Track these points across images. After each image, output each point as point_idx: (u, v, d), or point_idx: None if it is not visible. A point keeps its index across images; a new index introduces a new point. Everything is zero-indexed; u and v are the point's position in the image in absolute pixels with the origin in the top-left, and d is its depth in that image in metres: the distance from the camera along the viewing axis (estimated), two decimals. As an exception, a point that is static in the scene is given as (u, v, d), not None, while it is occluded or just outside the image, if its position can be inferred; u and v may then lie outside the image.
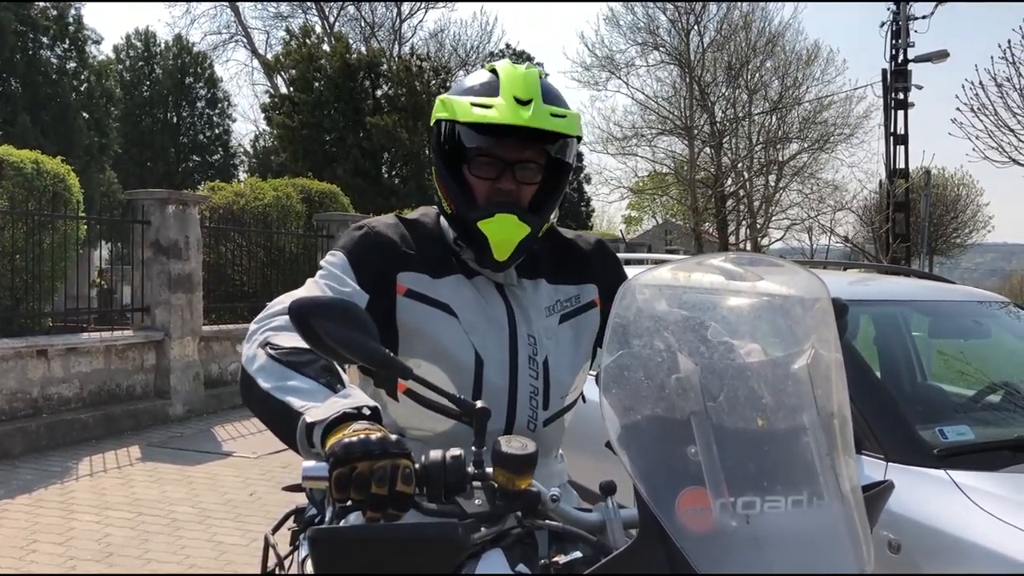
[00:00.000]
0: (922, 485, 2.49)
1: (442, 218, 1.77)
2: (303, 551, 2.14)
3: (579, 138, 1.71)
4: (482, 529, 1.20)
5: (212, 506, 5.53)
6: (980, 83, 13.41)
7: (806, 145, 29.70)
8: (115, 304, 11.64)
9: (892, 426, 2.67)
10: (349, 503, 1.17)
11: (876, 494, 1.40)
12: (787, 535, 1.08)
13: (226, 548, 4.73)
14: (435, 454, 1.23)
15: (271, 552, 2.35)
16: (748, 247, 30.01)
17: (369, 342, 1.26)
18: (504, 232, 1.63)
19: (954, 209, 32.53)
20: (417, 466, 1.21)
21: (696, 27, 29.92)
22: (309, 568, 2.06)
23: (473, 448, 1.24)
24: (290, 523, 2.26)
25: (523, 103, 1.60)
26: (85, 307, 9.48)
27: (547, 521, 1.24)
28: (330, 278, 1.65)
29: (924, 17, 18.36)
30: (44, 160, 7.86)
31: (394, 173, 24.03)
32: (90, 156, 22.56)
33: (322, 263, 1.72)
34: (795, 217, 30.85)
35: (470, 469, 1.23)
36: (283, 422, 1.36)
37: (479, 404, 1.25)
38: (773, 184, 30.87)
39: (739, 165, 30.83)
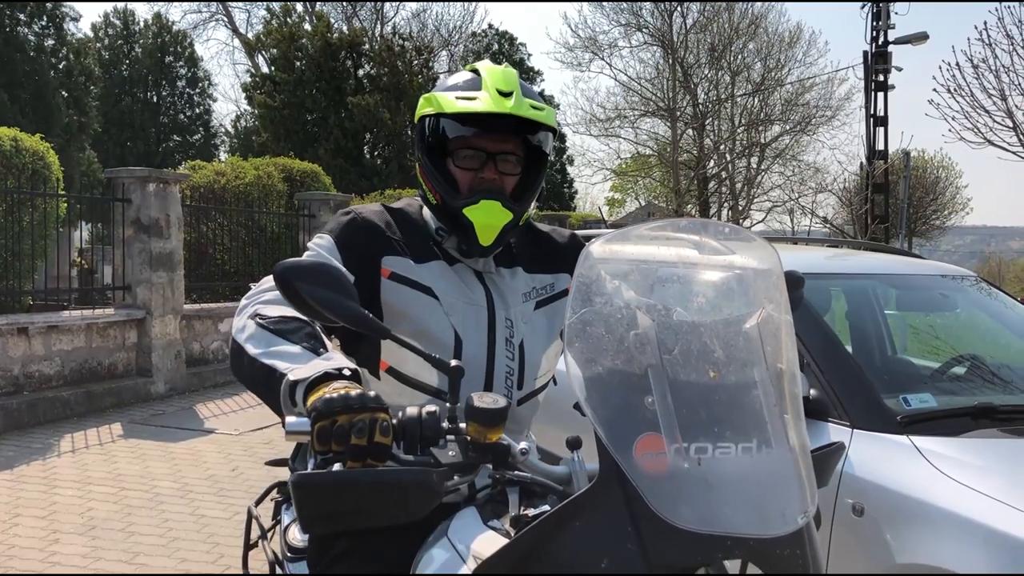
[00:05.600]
0: (885, 451, 2.57)
1: (425, 209, 1.85)
2: (285, 521, 2.20)
3: (555, 132, 1.79)
4: (455, 477, 1.26)
5: (195, 481, 5.57)
6: (956, 64, 13.53)
7: (788, 127, 29.87)
8: (96, 284, 11.60)
9: (857, 395, 2.74)
10: (331, 455, 1.23)
11: (827, 454, 1.48)
12: (736, 477, 1.15)
13: (208, 521, 4.78)
14: (412, 410, 1.30)
15: (254, 524, 2.40)
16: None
17: (348, 302, 1.31)
18: (488, 217, 1.72)
19: (934, 191, 32.75)
20: (395, 421, 1.27)
21: (679, 8, 29.93)
22: (291, 538, 2.12)
23: (448, 404, 1.30)
24: (274, 494, 2.32)
25: (505, 95, 1.69)
26: (66, 287, 9.45)
27: (516, 472, 1.30)
28: (318, 259, 1.71)
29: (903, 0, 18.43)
30: (23, 138, 7.81)
31: (376, 153, 23.95)
32: (69, 135, 22.38)
33: (310, 245, 1.79)
34: (777, 199, 31.08)
35: (445, 424, 1.29)
36: (269, 384, 1.43)
37: (453, 363, 1.31)
38: (755, 166, 31.04)
39: (721, 147, 30.95)
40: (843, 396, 2.74)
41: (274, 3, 31.36)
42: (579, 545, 1.12)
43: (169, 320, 8.59)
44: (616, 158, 32.13)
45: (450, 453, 1.30)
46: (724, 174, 31.68)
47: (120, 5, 34.37)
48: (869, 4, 18.37)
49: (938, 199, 33.27)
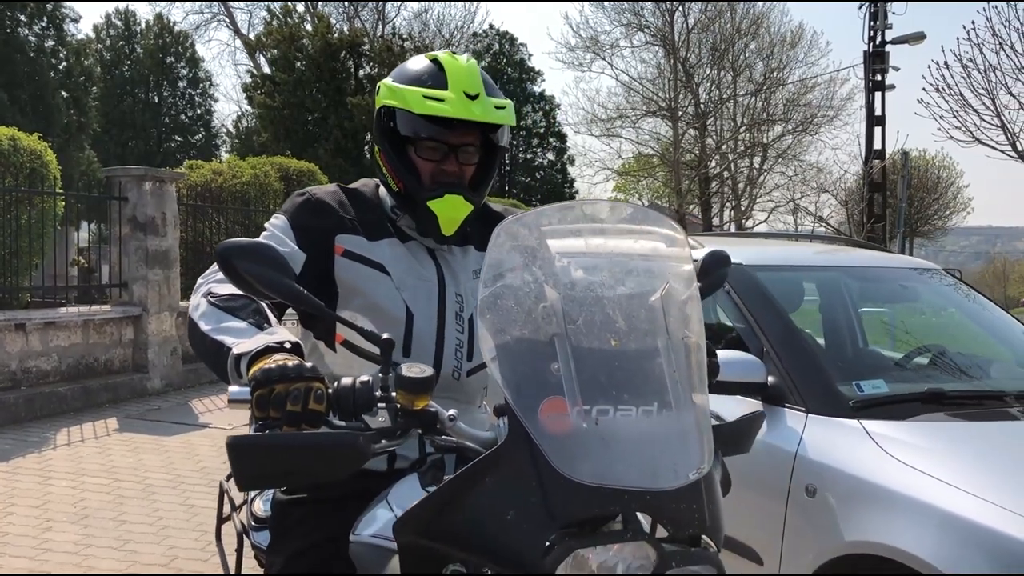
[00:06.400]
0: (837, 434, 2.67)
1: (381, 189, 1.94)
2: (251, 494, 2.31)
3: (513, 124, 1.88)
4: (383, 441, 1.36)
5: (187, 473, 5.68)
6: (945, 64, 13.62)
7: (790, 127, 29.88)
8: (95, 283, 11.71)
9: (812, 381, 2.84)
10: (269, 420, 1.33)
11: (747, 421, 1.58)
12: (631, 437, 1.24)
13: (199, 511, 4.89)
14: (346, 380, 1.39)
15: (225, 497, 2.52)
16: (733, 229, 30.22)
17: (284, 280, 1.41)
18: (451, 211, 1.81)
19: (935, 191, 32.74)
20: (330, 391, 1.37)
21: (680, 8, 29.99)
22: (255, 509, 2.23)
23: (380, 375, 1.40)
24: None
25: (472, 97, 1.76)
26: (64, 284, 9.56)
27: (444, 438, 1.40)
28: (271, 239, 1.81)
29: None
30: (21, 137, 7.92)
31: (376, 154, 24.08)
32: (69, 135, 22.54)
33: (266, 225, 1.88)
34: (779, 199, 31.08)
35: (377, 393, 1.38)
36: (218, 357, 1.52)
37: (384, 335, 1.41)
38: (757, 166, 31.08)
39: (723, 147, 30.98)
40: (799, 383, 2.84)
41: (275, 4, 31.48)
42: (488, 498, 1.22)
43: (165, 317, 8.70)
44: (617, 158, 32.20)
45: (380, 419, 1.39)
46: (726, 174, 31.70)
47: (121, 6, 34.51)
48: (867, 4, 18.46)
49: (939, 199, 33.28)
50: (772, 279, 3.23)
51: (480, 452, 1.36)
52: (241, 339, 1.49)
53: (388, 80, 1.87)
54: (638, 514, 1.27)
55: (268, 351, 1.43)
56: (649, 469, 1.23)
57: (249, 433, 1.30)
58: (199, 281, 1.73)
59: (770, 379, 2.87)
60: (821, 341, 3.63)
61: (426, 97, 1.75)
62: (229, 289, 1.61)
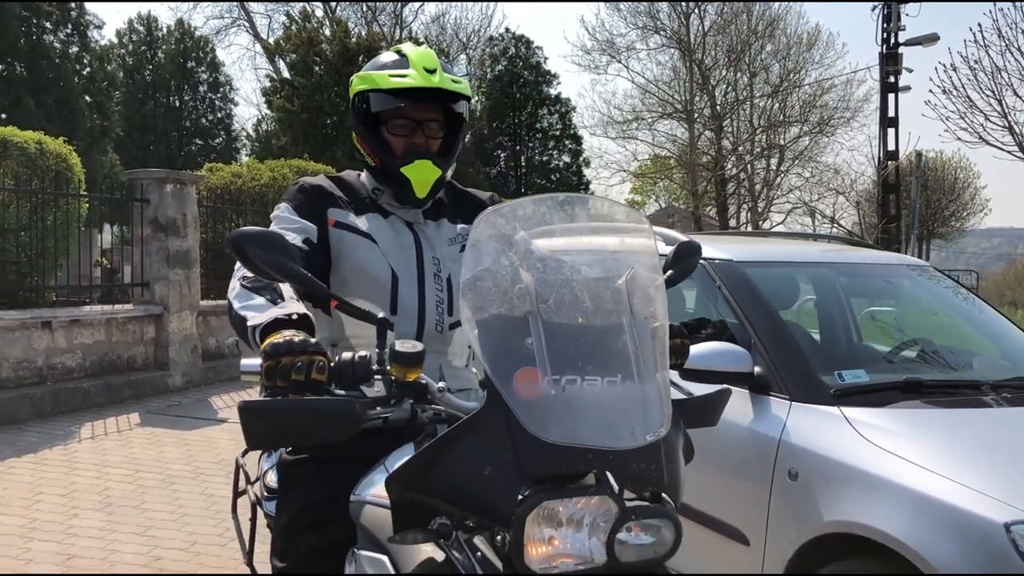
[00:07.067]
0: (818, 421, 2.82)
1: (362, 175, 2.24)
2: (264, 468, 2.49)
3: (469, 100, 2.14)
4: (377, 409, 1.53)
5: (206, 465, 5.89)
6: (952, 66, 13.67)
7: (806, 129, 29.84)
8: (118, 283, 11.98)
9: (796, 371, 2.99)
10: (276, 389, 1.51)
11: (715, 396, 1.73)
12: (594, 403, 1.40)
13: (216, 500, 5.08)
14: (346, 354, 1.57)
15: (241, 472, 2.70)
16: (749, 230, 30.20)
17: (289, 263, 1.58)
18: (422, 174, 2.07)
19: (951, 192, 32.56)
20: (332, 363, 1.54)
21: (696, 10, 30.05)
22: (268, 481, 2.41)
23: (376, 350, 1.57)
24: None
25: (431, 72, 2.03)
26: (88, 284, 9.81)
27: (433, 407, 1.56)
28: (282, 221, 2.09)
29: (915, 0, 18.51)
30: (47, 141, 8.18)
31: (393, 156, 24.30)
32: (92, 138, 22.95)
33: (272, 216, 2.15)
34: (796, 201, 31.00)
35: (374, 366, 1.55)
36: (243, 330, 1.77)
37: (380, 314, 1.58)
38: (774, 168, 31.04)
39: (739, 148, 30.98)
40: (783, 372, 2.99)
41: (294, 9, 31.83)
42: (468, 456, 1.38)
43: (186, 316, 8.93)
44: (633, 160, 32.27)
45: (376, 389, 1.56)
46: (743, 176, 31.68)
47: (144, 11, 34.99)
48: (880, 6, 18.49)
49: (956, 200, 33.10)
50: (760, 274, 3.37)
51: (462, 418, 1.52)
52: (257, 314, 1.71)
53: (360, 72, 2.16)
54: (607, 474, 1.43)
55: (277, 324, 1.64)
56: (610, 431, 1.39)
57: (256, 399, 1.47)
58: (237, 265, 1.92)
59: (756, 369, 3.02)
60: (816, 336, 3.78)
61: (391, 76, 2.04)
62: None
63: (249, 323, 1.70)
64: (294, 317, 1.66)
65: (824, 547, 2.65)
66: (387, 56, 2.14)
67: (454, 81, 2.06)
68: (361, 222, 2.12)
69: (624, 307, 1.47)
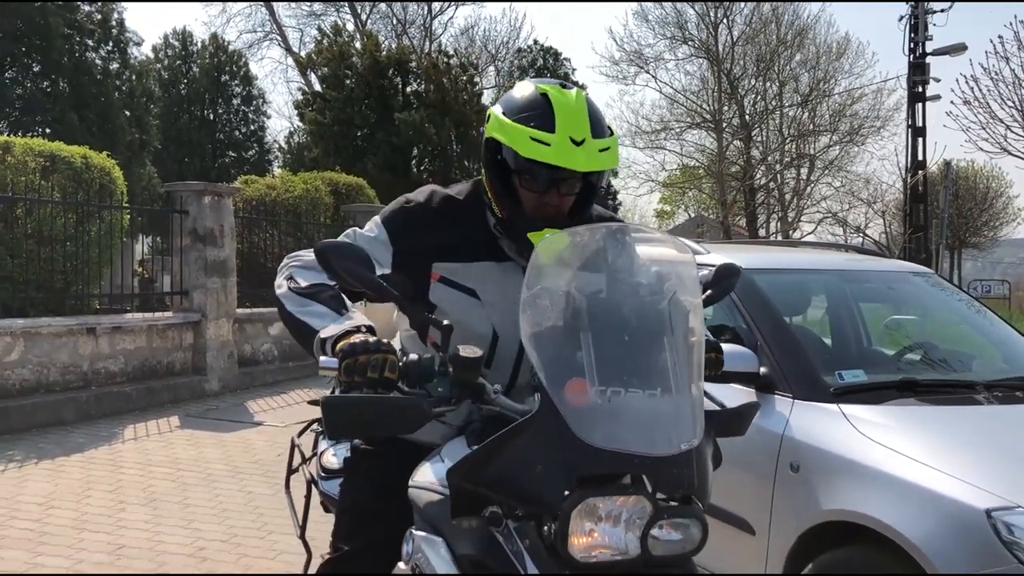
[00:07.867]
0: (819, 417, 3.01)
1: (488, 211, 2.05)
2: (321, 448, 2.73)
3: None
4: (441, 406, 1.71)
5: (244, 464, 6.16)
6: (974, 76, 13.70)
7: (836, 138, 29.73)
8: (156, 292, 12.36)
9: (799, 371, 3.18)
10: (352, 384, 1.69)
11: (744, 408, 1.93)
12: (636, 412, 1.60)
13: (255, 496, 5.35)
14: (414, 356, 1.75)
15: (296, 451, 2.97)
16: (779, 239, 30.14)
17: (367, 274, 1.78)
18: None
19: (984, 202, 32.19)
20: (401, 363, 1.73)
21: (725, 21, 30.13)
22: (325, 461, 2.65)
23: (441, 354, 1.75)
24: (314, 427, 2.87)
25: (577, 143, 1.86)
26: (129, 292, 10.18)
27: (489, 407, 1.74)
28: (366, 244, 2.02)
29: (942, 11, 18.53)
30: (92, 155, 8.55)
31: (422, 168, 24.64)
32: (131, 152, 23.54)
33: (366, 231, 2.10)
34: (826, 211, 30.88)
35: (437, 368, 1.74)
36: (303, 334, 1.89)
37: (445, 322, 1.75)
38: (804, 177, 30.94)
39: (769, 158, 30.93)
40: (787, 372, 3.18)
41: (325, 20, 32.33)
42: (521, 454, 1.59)
43: (223, 323, 9.24)
44: (661, 170, 32.33)
45: (440, 388, 1.73)
46: (772, 185, 31.61)
47: (179, 27, 35.77)
48: (907, 16, 18.53)
49: (988, 209, 32.72)
50: (767, 281, 3.57)
51: (517, 419, 1.69)
52: (324, 322, 1.84)
53: (496, 111, 1.98)
54: (643, 477, 1.61)
55: (349, 332, 1.77)
56: (649, 439, 1.59)
57: (337, 394, 1.69)
58: (284, 261, 2.07)
59: (762, 369, 3.21)
60: (828, 341, 3.96)
61: (532, 139, 1.86)
62: (307, 279, 1.95)
63: (321, 334, 1.79)
64: (363, 329, 1.78)
65: (823, 535, 2.83)
66: (528, 93, 1.95)
67: (601, 151, 1.89)
68: (469, 273, 2.03)
69: (665, 326, 1.68)
